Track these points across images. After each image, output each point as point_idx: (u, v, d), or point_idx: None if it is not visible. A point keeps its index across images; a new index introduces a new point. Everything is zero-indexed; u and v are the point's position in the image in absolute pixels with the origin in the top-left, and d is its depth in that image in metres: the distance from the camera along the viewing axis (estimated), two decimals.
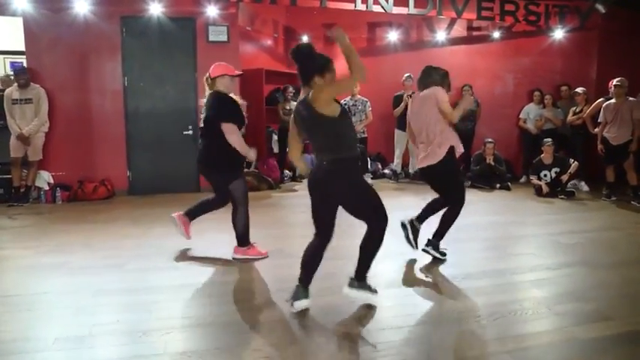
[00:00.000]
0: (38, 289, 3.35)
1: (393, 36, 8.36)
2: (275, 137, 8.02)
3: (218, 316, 2.93)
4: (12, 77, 6.32)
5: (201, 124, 3.95)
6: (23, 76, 6.12)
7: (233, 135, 3.77)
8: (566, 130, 7.66)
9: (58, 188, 6.29)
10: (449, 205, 3.97)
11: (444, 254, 3.99)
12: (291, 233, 4.93)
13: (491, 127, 8.18)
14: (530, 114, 8.02)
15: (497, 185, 7.29)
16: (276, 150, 8.03)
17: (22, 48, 6.36)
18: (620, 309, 3.02)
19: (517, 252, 4.30)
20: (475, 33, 8.38)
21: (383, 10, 7.25)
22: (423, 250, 4.00)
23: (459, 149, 4.00)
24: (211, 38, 6.79)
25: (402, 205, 6.31)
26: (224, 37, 6.84)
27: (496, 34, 8.23)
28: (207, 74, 3.95)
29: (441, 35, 8.29)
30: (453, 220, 3.94)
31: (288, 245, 4.30)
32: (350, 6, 7.14)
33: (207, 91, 3.91)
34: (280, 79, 8.14)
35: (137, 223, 5.21)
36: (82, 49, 6.44)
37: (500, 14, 7.68)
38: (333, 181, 2.84)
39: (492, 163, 7.34)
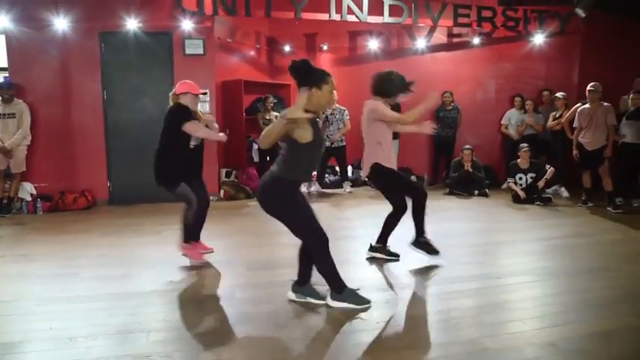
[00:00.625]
0: None
1: (373, 44, 8.44)
2: (255, 146, 8.13)
3: (152, 321, 3.03)
4: None
5: (198, 142, 4.25)
6: (8, 91, 6.34)
7: (199, 130, 4.10)
8: (547, 135, 7.62)
9: (39, 199, 6.50)
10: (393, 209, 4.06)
11: (396, 255, 4.07)
12: (251, 242, 5.01)
13: (474, 134, 8.19)
14: (512, 119, 8.01)
15: (476, 192, 7.29)
16: (256, 159, 8.15)
17: (3, 64, 6.61)
18: (544, 318, 3.04)
19: (476, 260, 4.28)
20: (456, 40, 8.40)
21: (357, 20, 7.35)
22: (367, 258, 4.07)
23: (388, 165, 4.02)
24: (187, 51, 6.96)
25: (375, 212, 6.39)
26: (200, 50, 7.00)
27: (477, 41, 8.24)
28: (173, 90, 4.27)
29: (421, 43, 8.33)
30: (394, 225, 4.01)
31: (245, 254, 4.42)
32: (324, 16, 7.26)
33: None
34: (262, 89, 8.27)
35: (111, 233, 5.35)
36: (63, 64, 6.67)
37: (478, 20, 7.71)
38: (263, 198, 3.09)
39: (470, 170, 7.35)
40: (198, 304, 3.34)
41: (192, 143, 4.22)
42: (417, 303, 3.36)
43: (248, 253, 4.52)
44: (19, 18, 6.41)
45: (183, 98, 4.18)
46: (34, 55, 6.56)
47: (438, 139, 8.10)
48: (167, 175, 4.12)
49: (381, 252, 4.16)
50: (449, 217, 6.05)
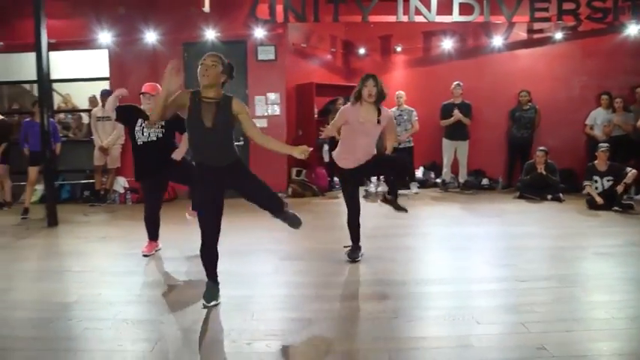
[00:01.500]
0: (55, 266, 4.18)
1: (447, 44, 8.29)
2: (326, 147, 8.39)
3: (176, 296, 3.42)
4: (98, 97, 7.53)
5: (151, 138, 4.25)
6: (106, 97, 7.30)
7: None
8: (638, 136, 6.93)
9: (129, 191, 7.38)
10: None
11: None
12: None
13: (554, 135, 7.68)
14: (598, 119, 7.38)
15: (549, 196, 6.84)
16: (326, 159, 8.40)
17: (106, 74, 7.64)
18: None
19: (504, 263, 4.13)
20: (536, 35, 7.94)
21: (426, 20, 7.30)
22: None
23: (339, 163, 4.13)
24: (260, 57, 7.47)
25: (430, 214, 6.36)
26: (272, 56, 7.47)
27: (559, 35, 7.72)
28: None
29: (498, 40, 8.01)
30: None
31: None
32: (392, 18, 7.32)
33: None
34: (336, 91, 8.50)
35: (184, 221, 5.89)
36: (152, 72, 7.48)
37: (558, 14, 7.23)
38: None
39: (544, 173, 6.92)
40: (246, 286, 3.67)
41: (140, 140, 4.28)
42: (433, 299, 3.36)
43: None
44: (117, 34, 7.38)
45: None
46: (129, 65, 7.48)
47: (513, 140, 7.74)
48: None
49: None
50: (514, 221, 5.79)
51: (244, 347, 2.62)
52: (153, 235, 4.50)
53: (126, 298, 3.41)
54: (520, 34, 7.96)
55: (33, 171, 6.43)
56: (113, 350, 2.62)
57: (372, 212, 6.58)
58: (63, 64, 7.83)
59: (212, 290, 3.20)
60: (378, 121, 3.99)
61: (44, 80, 5.79)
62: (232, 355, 2.56)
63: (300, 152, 3.12)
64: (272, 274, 3.93)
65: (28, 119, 6.69)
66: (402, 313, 3.05)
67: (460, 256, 4.41)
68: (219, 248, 3.22)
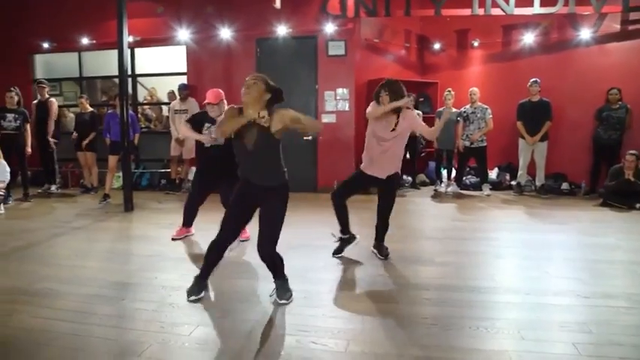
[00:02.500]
0: (123, 249, 4.48)
1: (529, 38, 7.79)
2: None
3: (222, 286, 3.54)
4: (175, 92, 7.97)
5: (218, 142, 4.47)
6: (183, 91, 7.72)
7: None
8: None
9: None
10: None
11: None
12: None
13: None
14: None
15: (637, 205, 6.21)
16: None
17: (184, 69, 8.05)
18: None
19: (569, 275, 3.81)
20: (632, 27, 7.20)
21: (503, 13, 6.90)
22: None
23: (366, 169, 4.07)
24: (330, 52, 7.48)
25: (494, 218, 6.06)
26: (342, 51, 7.45)
27: None
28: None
29: (586, 33, 7.38)
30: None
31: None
32: (467, 12, 7.00)
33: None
34: (409, 87, 8.19)
35: None
36: (226, 67, 7.81)
37: None
38: None
39: (632, 179, 6.29)
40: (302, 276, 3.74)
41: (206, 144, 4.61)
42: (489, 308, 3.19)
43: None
44: (195, 31, 7.75)
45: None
46: (205, 60, 7.84)
47: (599, 141, 7.11)
48: None
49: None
50: (582, 228, 5.34)
51: (276, 340, 2.66)
52: (188, 222, 4.91)
53: (177, 283, 3.58)
54: (613, 25, 7.27)
55: (112, 159, 6.95)
56: (155, 331, 2.78)
57: (438, 213, 6.41)
58: (147, 59, 8.38)
59: (198, 286, 3.24)
60: (393, 129, 3.92)
61: (124, 75, 6.21)
62: (258, 339, 2.61)
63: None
64: (321, 270, 3.94)
65: (110, 111, 7.24)
66: (442, 320, 2.92)
67: (521, 264, 4.14)
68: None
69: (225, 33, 7.63)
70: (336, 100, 7.60)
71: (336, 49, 7.48)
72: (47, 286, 3.52)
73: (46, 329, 2.81)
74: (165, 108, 8.77)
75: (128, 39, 7.77)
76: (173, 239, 4.79)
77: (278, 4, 6.98)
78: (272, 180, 3.12)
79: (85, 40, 8.33)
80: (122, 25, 5.98)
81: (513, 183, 7.73)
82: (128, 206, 6.29)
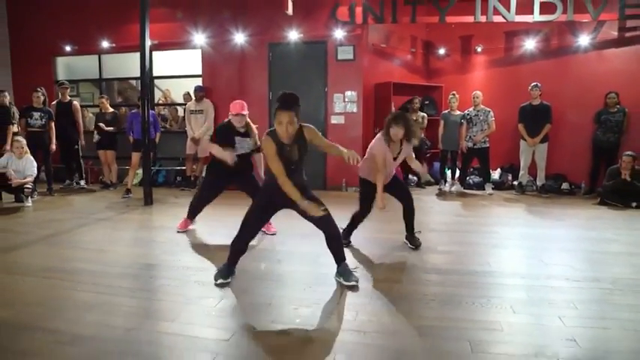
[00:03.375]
0: (145, 237, 4.81)
1: (530, 44, 8.10)
2: None
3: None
4: (190, 94, 8.35)
5: (244, 151, 4.75)
6: (199, 92, 8.09)
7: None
8: None
9: None
10: None
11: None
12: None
13: None
14: None
15: (634, 204, 6.49)
16: None
17: (199, 72, 8.43)
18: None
19: (561, 262, 4.07)
20: (629, 34, 7.49)
21: (504, 20, 7.22)
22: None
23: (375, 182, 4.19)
24: (340, 57, 7.82)
25: (496, 214, 6.33)
26: (350, 56, 7.79)
27: None
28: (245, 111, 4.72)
29: (584, 40, 7.68)
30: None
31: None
32: (469, 19, 7.32)
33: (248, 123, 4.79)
34: (415, 90, 8.64)
35: None
36: (240, 70, 8.17)
37: None
38: None
39: (628, 179, 6.57)
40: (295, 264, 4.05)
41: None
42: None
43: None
44: (210, 36, 8.13)
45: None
46: (220, 63, 8.21)
47: (598, 143, 7.39)
48: None
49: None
50: (579, 224, 5.62)
51: (291, 311, 2.98)
52: (191, 215, 5.13)
53: (199, 265, 3.91)
54: (611, 32, 7.57)
55: (135, 156, 7.32)
56: (183, 302, 3.11)
57: (442, 210, 6.71)
58: (163, 62, 8.76)
59: (225, 271, 3.49)
60: (395, 159, 4.23)
61: (146, 77, 6.57)
62: (276, 310, 2.93)
63: (347, 155, 3.27)
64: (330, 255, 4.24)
65: (134, 110, 7.62)
66: (441, 297, 3.23)
67: (518, 253, 4.42)
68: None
69: (239, 38, 8.00)
70: (345, 103, 7.92)
71: (345, 53, 7.81)
72: (78, 266, 3.88)
73: (84, 300, 3.15)
74: (180, 109, 9.15)
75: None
76: (178, 232, 5.05)
77: (290, 11, 7.33)
78: (303, 180, 3.50)
79: (105, 44, 8.73)
80: (145, 30, 6.34)
81: (515, 183, 8.01)
82: (148, 200, 6.64)
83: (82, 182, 8.30)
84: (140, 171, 7.65)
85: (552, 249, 4.56)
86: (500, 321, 2.85)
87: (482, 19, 7.24)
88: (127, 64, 8.71)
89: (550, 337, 2.65)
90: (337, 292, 3.32)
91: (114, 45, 8.73)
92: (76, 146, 8.10)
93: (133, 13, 6.98)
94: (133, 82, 9.62)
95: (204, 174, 8.13)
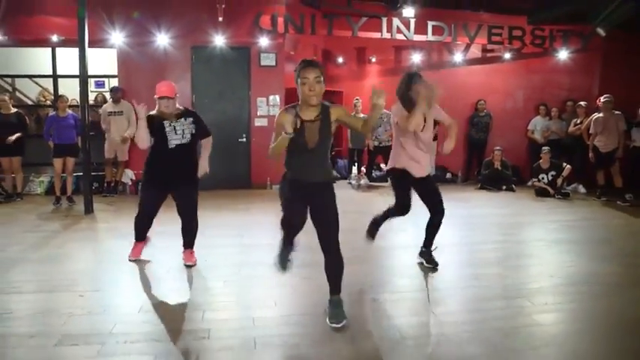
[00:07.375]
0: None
1: (416, 58, 9.66)
2: None
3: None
4: (106, 95, 7.96)
5: (179, 142, 4.02)
6: (116, 94, 7.76)
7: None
8: (568, 140, 8.71)
9: (139, 183, 7.88)
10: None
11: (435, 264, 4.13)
12: None
13: (503, 137, 9.30)
14: (537, 126, 9.11)
15: (504, 187, 8.43)
16: None
17: (114, 72, 8.09)
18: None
19: (465, 232, 5.50)
20: (489, 54, 9.53)
21: (405, 38, 8.58)
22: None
23: (411, 171, 3.99)
24: (262, 63, 8.30)
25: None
26: (272, 62, 8.33)
27: (507, 56, 9.37)
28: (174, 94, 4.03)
29: (458, 57, 9.50)
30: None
31: None
32: (377, 35, 8.50)
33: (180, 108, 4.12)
34: None
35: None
36: (161, 72, 8.03)
37: (509, 38, 8.87)
38: None
39: (499, 168, 8.49)
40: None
41: (173, 142, 4.04)
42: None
43: None
44: (128, 35, 7.85)
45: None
46: (138, 65, 7.97)
47: (472, 141, 9.26)
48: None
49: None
50: (478, 204, 7.24)
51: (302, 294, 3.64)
52: (140, 236, 4.30)
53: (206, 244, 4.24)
54: (476, 52, 9.51)
55: (58, 162, 6.82)
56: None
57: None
58: (67, 60, 8.12)
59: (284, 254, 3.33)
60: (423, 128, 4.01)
61: (86, 75, 6.29)
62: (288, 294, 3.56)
63: (376, 96, 2.82)
64: None
65: (52, 113, 7.02)
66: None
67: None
68: None
69: (162, 39, 7.90)
70: (268, 106, 8.43)
71: (268, 60, 8.32)
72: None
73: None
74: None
75: (53, 38, 7.64)
76: (130, 260, 4.26)
77: (221, 18, 7.59)
78: (327, 173, 3.07)
79: None
80: (83, 25, 6.14)
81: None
82: (89, 209, 6.33)
83: None
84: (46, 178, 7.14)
85: (456, 224, 5.73)
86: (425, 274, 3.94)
87: (388, 35, 8.48)
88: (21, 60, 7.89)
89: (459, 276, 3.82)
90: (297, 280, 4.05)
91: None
92: None
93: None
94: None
95: (124, 179, 7.96)
